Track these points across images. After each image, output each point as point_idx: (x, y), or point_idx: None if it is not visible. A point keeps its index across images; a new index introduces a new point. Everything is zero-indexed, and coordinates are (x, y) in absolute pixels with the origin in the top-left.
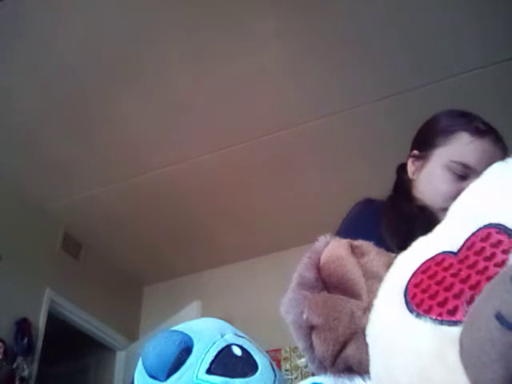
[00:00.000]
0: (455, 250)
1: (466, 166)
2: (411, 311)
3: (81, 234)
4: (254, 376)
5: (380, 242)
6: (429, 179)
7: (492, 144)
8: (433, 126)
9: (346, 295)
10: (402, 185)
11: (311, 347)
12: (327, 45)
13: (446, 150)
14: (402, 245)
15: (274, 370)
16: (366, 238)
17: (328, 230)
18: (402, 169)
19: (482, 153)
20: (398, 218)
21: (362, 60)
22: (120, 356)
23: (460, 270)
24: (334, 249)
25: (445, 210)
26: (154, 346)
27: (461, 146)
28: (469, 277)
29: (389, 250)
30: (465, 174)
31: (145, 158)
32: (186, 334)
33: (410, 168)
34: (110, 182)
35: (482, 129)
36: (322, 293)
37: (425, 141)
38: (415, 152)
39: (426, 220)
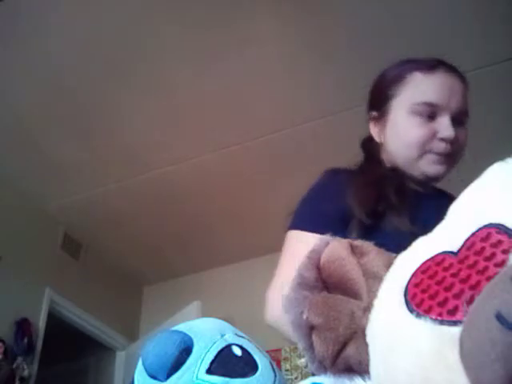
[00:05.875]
0: (455, 250)
1: (430, 105)
2: (411, 311)
3: (81, 234)
4: (254, 376)
5: (347, 213)
6: (396, 132)
7: (447, 74)
8: (382, 81)
9: (346, 295)
10: (371, 153)
11: (311, 347)
12: (327, 45)
13: (404, 96)
14: (371, 210)
15: (273, 370)
16: (332, 207)
17: None
18: (367, 140)
19: (440, 85)
20: (367, 182)
21: (362, 60)
22: (120, 356)
23: (460, 270)
24: (334, 249)
25: (420, 157)
26: (154, 346)
27: (417, 86)
28: (469, 277)
29: (357, 219)
30: (432, 113)
31: (145, 158)
32: (186, 334)
33: (374, 131)
34: (110, 182)
35: (432, 64)
36: (322, 293)
37: (379, 97)
38: (373, 113)
39: (396, 179)
